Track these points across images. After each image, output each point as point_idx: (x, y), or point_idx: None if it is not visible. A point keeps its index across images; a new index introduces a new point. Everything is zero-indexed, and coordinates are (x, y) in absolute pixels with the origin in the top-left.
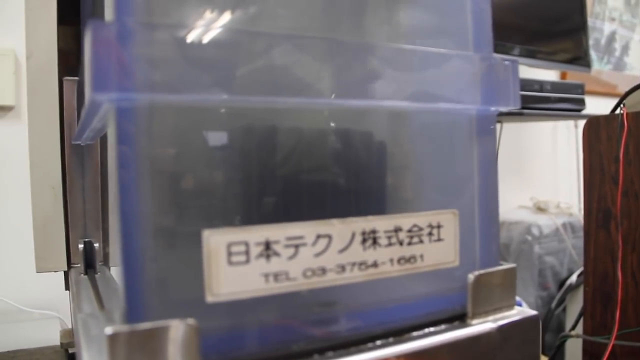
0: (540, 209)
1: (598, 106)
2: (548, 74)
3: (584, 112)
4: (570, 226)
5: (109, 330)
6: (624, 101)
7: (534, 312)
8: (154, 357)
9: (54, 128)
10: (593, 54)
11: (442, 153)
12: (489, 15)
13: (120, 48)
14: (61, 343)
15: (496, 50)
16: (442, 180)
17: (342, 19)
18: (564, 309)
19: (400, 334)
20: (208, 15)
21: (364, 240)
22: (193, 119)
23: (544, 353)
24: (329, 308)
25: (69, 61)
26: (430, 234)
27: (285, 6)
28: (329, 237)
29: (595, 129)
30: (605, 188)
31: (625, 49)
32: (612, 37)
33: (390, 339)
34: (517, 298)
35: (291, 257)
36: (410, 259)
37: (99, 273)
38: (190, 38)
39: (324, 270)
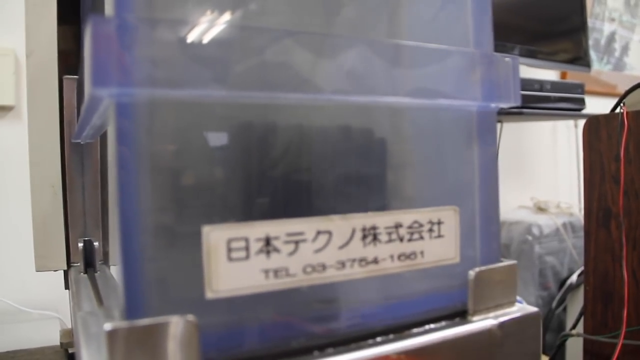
0: (540, 209)
1: (598, 106)
2: (548, 74)
3: (584, 111)
4: (571, 226)
5: (108, 326)
6: (624, 100)
7: (535, 309)
8: (153, 353)
9: (54, 126)
10: (593, 54)
11: (442, 149)
12: (489, 11)
13: (120, 43)
14: (61, 343)
15: (496, 50)
16: (442, 176)
17: (342, 15)
18: (565, 309)
19: (400, 330)
20: (208, 10)
21: (364, 237)
22: (193, 115)
23: (545, 352)
24: (329, 304)
25: (69, 60)
26: (430, 230)
27: (285, 2)
28: (329, 233)
29: (595, 128)
30: (606, 187)
31: (625, 49)
32: (611, 38)
33: (391, 336)
34: (518, 298)
35: (291, 253)
36: (410, 256)
37: (98, 272)
38: (191, 33)
39: (324, 267)
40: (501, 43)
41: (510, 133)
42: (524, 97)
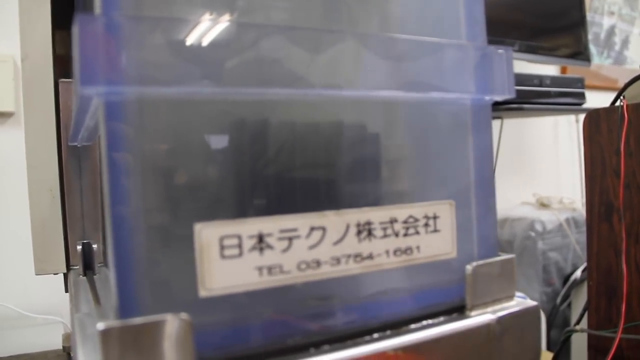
0: (543, 205)
1: (599, 101)
2: (548, 69)
3: (585, 106)
4: (574, 221)
5: (101, 325)
6: (624, 93)
7: (533, 303)
8: (147, 352)
9: (51, 130)
10: (593, 49)
11: (437, 143)
12: (481, 4)
13: (107, 41)
14: (63, 347)
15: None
16: (438, 170)
17: (334, 9)
18: (569, 305)
19: (397, 326)
20: (197, 7)
21: (358, 232)
22: (184, 113)
23: (550, 349)
24: (325, 301)
25: (65, 64)
26: (426, 225)
27: None
28: (323, 229)
29: (596, 121)
30: (607, 181)
31: (625, 42)
32: (611, 31)
33: (388, 332)
34: (522, 294)
35: (285, 250)
36: (406, 251)
37: (98, 274)
38: (179, 30)
39: (318, 263)
40: (500, 39)
41: (512, 129)
42: (524, 92)
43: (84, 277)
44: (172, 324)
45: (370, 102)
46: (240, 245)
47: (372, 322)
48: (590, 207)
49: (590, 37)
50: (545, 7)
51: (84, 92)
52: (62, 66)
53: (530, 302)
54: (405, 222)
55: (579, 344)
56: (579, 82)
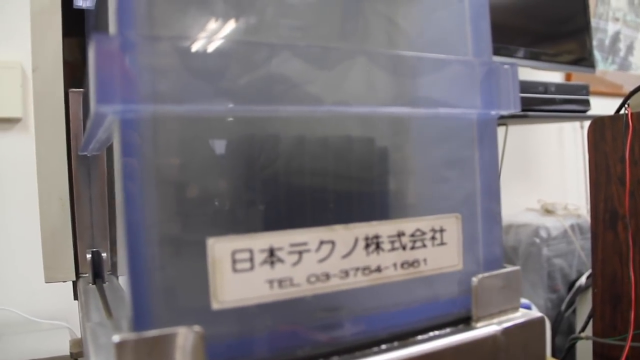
0: (548, 211)
1: (604, 107)
2: (553, 76)
3: (590, 112)
4: (579, 228)
5: (116, 338)
6: (629, 101)
7: (539, 314)
8: None
9: (61, 140)
10: (597, 55)
11: (444, 157)
12: (487, 20)
13: (123, 60)
14: (71, 353)
15: (500, 53)
16: (444, 184)
17: (342, 27)
18: (574, 311)
19: (405, 337)
20: (209, 26)
21: (367, 246)
22: (196, 129)
23: (554, 356)
24: (334, 313)
25: (75, 72)
26: (433, 238)
27: (285, 16)
28: (333, 243)
29: (600, 129)
30: (612, 189)
31: (630, 48)
32: (616, 37)
33: (395, 343)
34: (526, 301)
35: (295, 264)
36: (413, 263)
37: (107, 282)
38: (192, 49)
39: (327, 276)
40: (505, 46)
41: (516, 135)
42: (528, 99)
43: (94, 286)
44: (186, 336)
45: (378, 118)
46: (251, 259)
47: (379, 333)
48: (595, 214)
49: (595, 43)
50: (550, 13)
51: (100, 110)
52: (72, 75)
53: (536, 313)
54: (412, 235)
55: (584, 351)
56: (584, 89)
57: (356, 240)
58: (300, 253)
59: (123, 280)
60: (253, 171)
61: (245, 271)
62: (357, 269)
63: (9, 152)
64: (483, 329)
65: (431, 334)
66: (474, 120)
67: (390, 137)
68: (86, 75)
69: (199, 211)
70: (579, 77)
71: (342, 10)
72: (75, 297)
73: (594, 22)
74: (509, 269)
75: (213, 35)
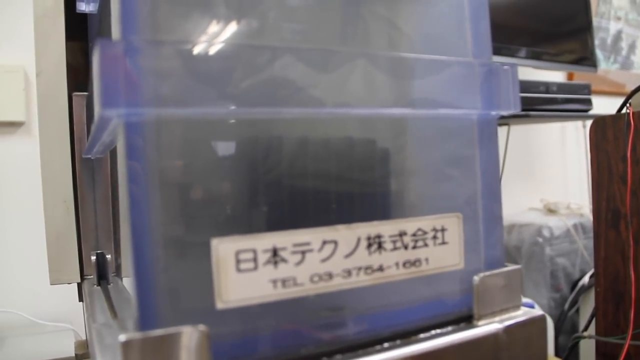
0: (550, 211)
1: (607, 106)
2: (555, 75)
3: (592, 112)
4: (582, 227)
5: (122, 337)
6: (630, 100)
7: (540, 313)
8: None
9: (65, 143)
10: (599, 54)
11: (445, 157)
12: (487, 21)
13: (127, 65)
14: (76, 354)
15: (502, 53)
16: (445, 184)
17: (343, 30)
18: (577, 311)
19: (407, 336)
20: (211, 30)
21: (369, 245)
22: (200, 131)
23: (558, 355)
24: (337, 312)
25: (78, 76)
26: (434, 237)
27: (286, 19)
28: (335, 242)
29: (602, 128)
30: (614, 188)
31: (632, 47)
32: (618, 36)
33: (398, 342)
34: (529, 300)
35: (298, 263)
36: (415, 263)
37: (111, 284)
38: (195, 53)
39: (330, 275)
40: (506, 45)
41: (519, 135)
42: (530, 99)
43: (98, 287)
44: (191, 336)
45: (379, 119)
46: (255, 259)
47: (382, 331)
48: (597, 213)
49: (596, 42)
50: (551, 12)
51: (105, 113)
52: (75, 79)
53: (537, 312)
54: (414, 235)
55: (587, 350)
56: (586, 89)
57: (358, 240)
58: (303, 253)
59: (128, 282)
60: (256, 173)
61: (249, 271)
62: (359, 269)
63: (12, 155)
64: (484, 327)
65: (433, 332)
66: (474, 121)
67: (392, 138)
68: (90, 80)
69: (203, 213)
70: (581, 76)
71: (343, 13)
72: (80, 299)
73: (595, 21)
74: (510, 267)
75: (215, 38)
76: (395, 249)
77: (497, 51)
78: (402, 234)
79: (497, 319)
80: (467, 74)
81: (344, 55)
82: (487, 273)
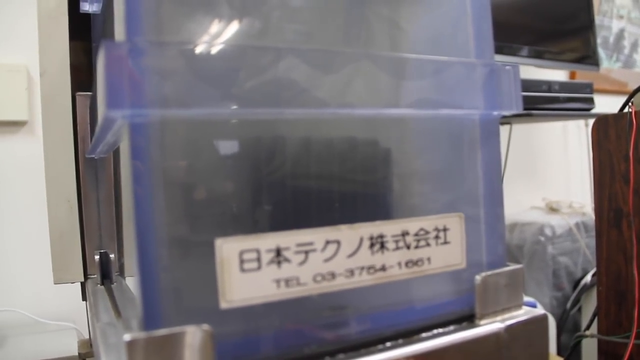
0: (552, 209)
1: (609, 104)
2: (557, 74)
3: (594, 110)
4: (584, 226)
5: (127, 337)
6: (632, 99)
7: (542, 312)
8: None
9: (68, 143)
10: (602, 52)
11: (447, 157)
12: (489, 21)
13: (132, 66)
14: (79, 353)
15: (504, 52)
16: (448, 184)
17: (345, 31)
18: (580, 309)
19: (409, 335)
20: (215, 30)
21: (372, 245)
22: (203, 132)
23: (560, 354)
24: (339, 312)
25: (81, 76)
26: (437, 237)
27: (290, 20)
28: (338, 242)
29: (604, 127)
30: (616, 187)
31: (635, 46)
32: (620, 35)
33: (400, 341)
34: (532, 299)
35: (301, 263)
36: (417, 262)
37: (115, 283)
38: (199, 54)
39: (333, 275)
40: (508, 44)
41: (521, 134)
42: (532, 98)
43: (102, 286)
44: (195, 335)
45: (382, 119)
46: (259, 259)
47: (384, 331)
48: (600, 212)
49: (599, 40)
50: (554, 11)
51: (110, 114)
52: (79, 79)
53: (538, 311)
54: (416, 234)
55: (589, 349)
56: (588, 88)
57: (361, 240)
58: (306, 253)
59: (131, 281)
60: (259, 173)
61: (252, 271)
62: (362, 268)
63: (15, 154)
64: (486, 327)
65: (435, 331)
66: (476, 121)
67: (394, 139)
68: (94, 80)
69: (207, 212)
70: (583, 75)
71: (346, 14)
72: (84, 298)
73: (598, 19)
74: (512, 267)
75: (219, 39)
76: (397, 248)
77: (499, 50)
78: (404, 234)
79: (498, 318)
80: (469, 74)
81: (347, 56)
82: (489, 272)
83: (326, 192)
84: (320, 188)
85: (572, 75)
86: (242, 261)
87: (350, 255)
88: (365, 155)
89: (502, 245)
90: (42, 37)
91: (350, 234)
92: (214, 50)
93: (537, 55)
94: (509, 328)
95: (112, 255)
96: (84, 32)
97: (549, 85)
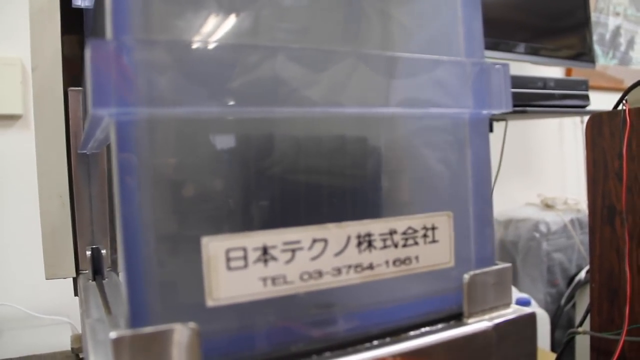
0: (547, 206)
1: (604, 101)
2: (553, 71)
3: (590, 107)
4: (579, 222)
5: (113, 334)
6: (627, 97)
7: (530, 310)
8: (157, 359)
9: (60, 138)
10: (598, 49)
11: (436, 156)
12: (479, 21)
13: (119, 65)
14: (72, 348)
15: (499, 48)
16: (436, 182)
17: (335, 30)
18: (574, 305)
19: (397, 333)
20: (204, 29)
21: (359, 244)
22: (191, 130)
23: (554, 350)
24: (327, 310)
25: (74, 70)
26: (425, 235)
27: (280, 18)
28: (325, 241)
29: (598, 125)
30: (609, 184)
31: (631, 43)
32: (617, 32)
33: (387, 339)
34: (526, 295)
35: (288, 261)
36: (405, 261)
37: (106, 279)
38: (187, 52)
39: (320, 273)
40: (504, 41)
41: (516, 130)
42: (528, 95)
43: (93, 282)
44: (181, 333)
45: (371, 118)
46: (245, 257)
47: (372, 329)
48: (593, 209)
49: (595, 37)
50: (550, 7)
51: (97, 112)
52: (71, 72)
53: (527, 310)
54: (404, 233)
55: (583, 345)
56: (583, 85)
57: (348, 239)
58: (293, 251)
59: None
60: (247, 171)
61: (239, 269)
62: (349, 267)
63: (10, 148)
64: (474, 325)
65: (423, 329)
66: (465, 120)
67: (383, 137)
68: (83, 77)
69: (194, 210)
70: (580, 72)
71: (336, 13)
72: (76, 294)
73: (594, 16)
74: (500, 265)
75: (208, 38)
76: (385, 247)
77: (495, 46)
78: (392, 233)
79: (487, 317)
80: (459, 73)
81: (336, 55)
82: (477, 271)
83: (314, 190)
84: (308, 186)
85: (568, 72)
86: (228, 259)
87: (338, 254)
88: (353, 154)
89: (490, 244)
90: (34, 31)
91: (337, 233)
92: (203, 49)
93: (533, 52)
94: (497, 326)
95: (104, 251)
96: (77, 26)
97: (544, 82)
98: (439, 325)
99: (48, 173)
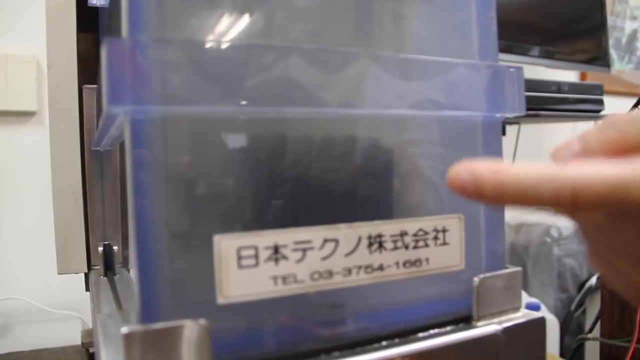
0: None
1: (619, 106)
2: (567, 75)
3: (605, 112)
4: None
5: (124, 329)
6: None
7: (539, 315)
8: (167, 355)
9: (74, 135)
10: (614, 54)
11: (448, 159)
12: (494, 23)
13: (134, 63)
14: (82, 342)
15: (514, 51)
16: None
17: (350, 31)
18: (584, 312)
19: (405, 335)
20: (219, 28)
21: (370, 244)
22: (205, 128)
23: (563, 355)
24: (336, 309)
25: (89, 67)
26: (435, 238)
27: (294, 19)
28: (336, 241)
29: None
30: None
31: None
32: (633, 36)
33: (396, 340)
34: (536, 300)
35: (299, 261)
36: (415, 263)
37: (118, 275)
38: (202, 51)
39: (330, 273)
40: (519, 44)
41: (529, 134)
42: (542, 99)
43: (105, 278)
44: (191, 329)
45: (384, 119)
46: (256, 256)
47: (381, 330)
48: None
49: (611, 41)
50: (566, 11)
51: (111, 110)
52: (86, 70)
53: (536, 314)
54: (415, 235)
55: (592, 352)
56: (598, 89)
57: (359, 239)
58: (304, 251)
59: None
60: (259, 170)
61: (250, 267)
62: (359, 267)
63: (24, 144)
64: (483, 328)
65: (432, 331)
66: (479, 123)
67: (396, 139)
68: (99, 75)
69: (206, 208)
70: (595, 76)
71: (350, 14)
72: (87, 289)
73: (611, 20)
74: (511, 269)
75: (223, 37)
76: (395, 248)
77: (509, 49)
78: (403, 234)
79: (496, 320)
80: (473, 76)
81: (350, 56)
82: (487, 274)
83: (326, 190)
84: (320, 187)
85: (583, 76)
86: (239, 257)
87: (348, 254)
88: (365, 155)
89: (501, 247)
90: (50, 29)
91: (348, 233)
92: (217, 48)
93: (548, 55)
94: (506, 330)
95: (115, 247)
96: (92, 24)
97: (558, 86)
98: (448, 328)
99: (62, 169)
